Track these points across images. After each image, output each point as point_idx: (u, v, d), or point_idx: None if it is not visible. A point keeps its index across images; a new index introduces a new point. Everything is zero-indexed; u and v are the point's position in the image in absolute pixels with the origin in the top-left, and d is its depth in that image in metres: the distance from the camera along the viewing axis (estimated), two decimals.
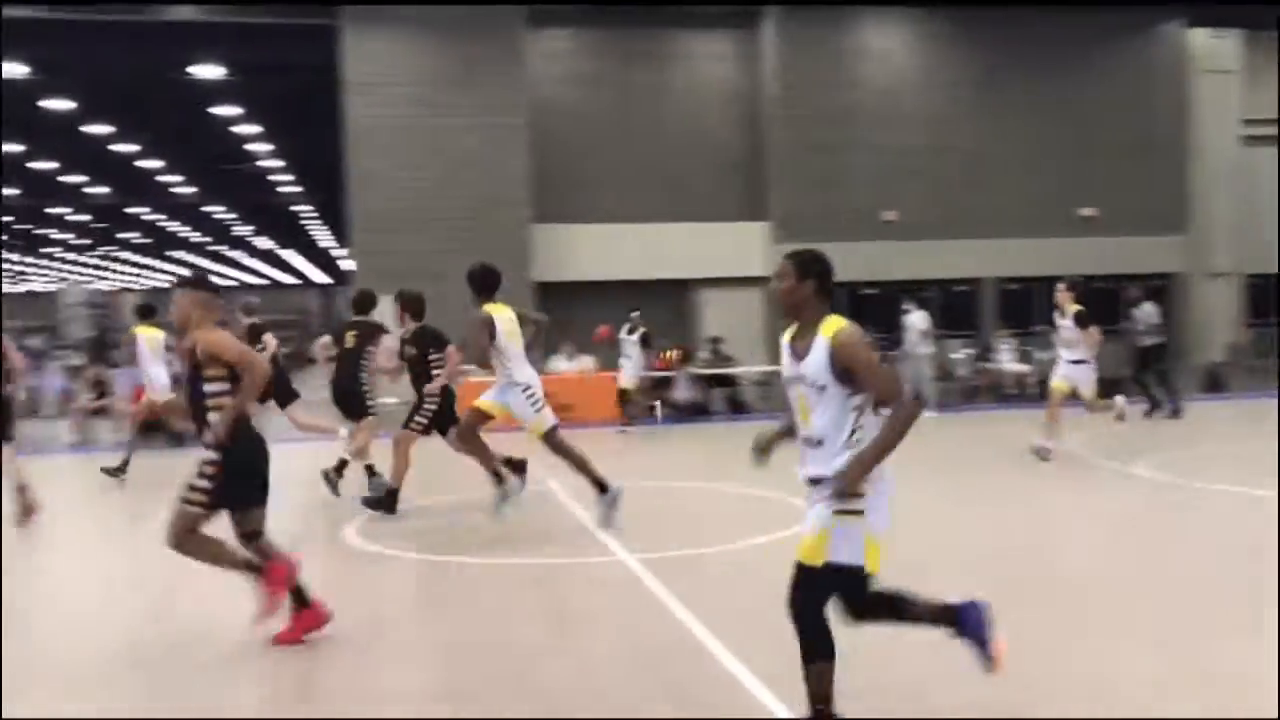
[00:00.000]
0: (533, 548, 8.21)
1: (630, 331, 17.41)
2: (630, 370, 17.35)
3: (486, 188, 21.60)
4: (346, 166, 21.68)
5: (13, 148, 32.18)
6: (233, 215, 50.73)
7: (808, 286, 4.27)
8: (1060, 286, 12.23)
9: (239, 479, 5.74)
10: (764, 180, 23.28)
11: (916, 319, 18.68)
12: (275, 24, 21.50)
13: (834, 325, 4.19)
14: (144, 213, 48.31)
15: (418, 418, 9.75)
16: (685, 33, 23.50)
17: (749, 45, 23.55)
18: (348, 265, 22.38)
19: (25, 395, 15.50)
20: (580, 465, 8.62)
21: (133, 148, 32.85)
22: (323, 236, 57.54)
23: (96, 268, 75.72)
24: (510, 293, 21.32)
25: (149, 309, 13.16)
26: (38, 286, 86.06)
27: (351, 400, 10.62)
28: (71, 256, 68.78)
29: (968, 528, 8.75)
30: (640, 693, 5.02)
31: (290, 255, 71.17)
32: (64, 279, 78.07)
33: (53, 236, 58.30)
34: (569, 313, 21.46)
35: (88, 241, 60.77)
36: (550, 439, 8.66)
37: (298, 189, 41.48)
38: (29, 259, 70.35)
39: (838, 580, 4.14)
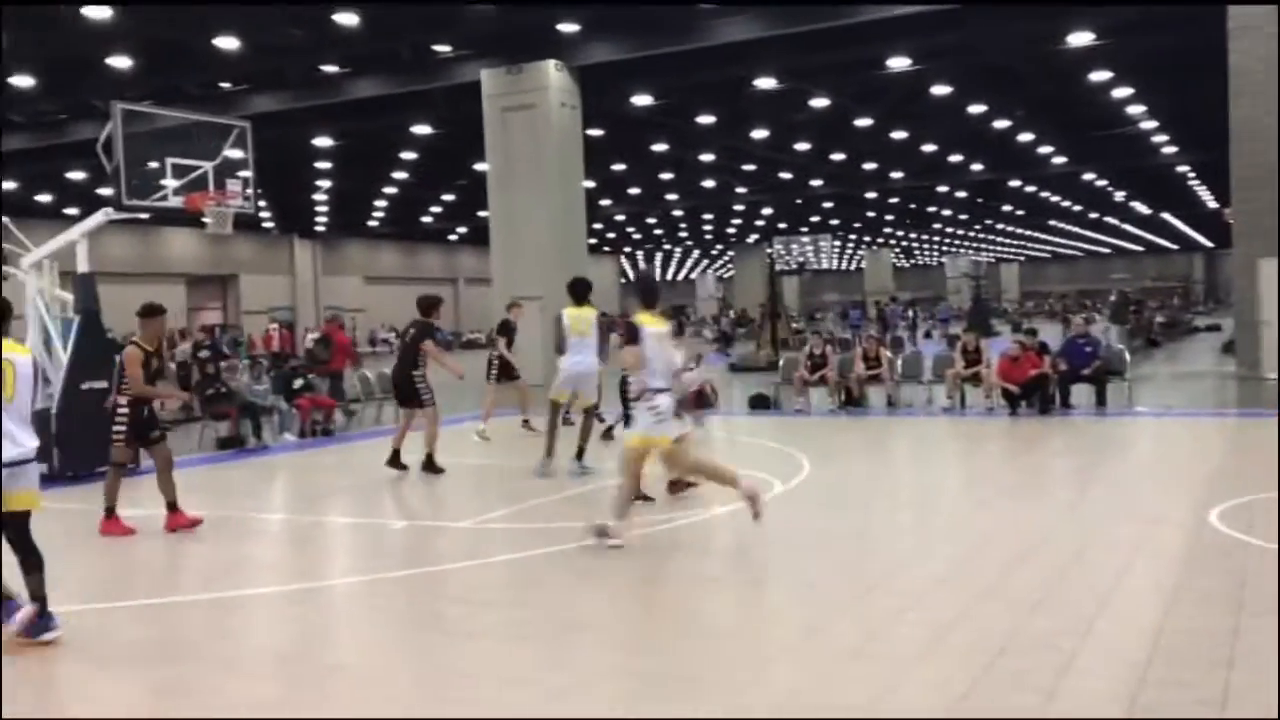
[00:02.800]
0: None
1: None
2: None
3: None
4: (1228, 119, 19.93)
5: (900, 135, 35.24)
6: (1106, 181, 49.87)
7: None
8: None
9: None
10: None
11: None
12: None
13: None
14: (1018, 185, 49.72)
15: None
16: None
17: None
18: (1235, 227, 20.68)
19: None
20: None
21: (1006, 123, 33.95)
22: (1205, 197, 53.96)
23: (975, 240, 79.96)
24: None
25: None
26: (926, 260, 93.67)
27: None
28: (952, 230, 73.52)
29: None
30: None
31: (1170, 219, 67.95)
32: (948, 252, 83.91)
33: (940, 214, 62.89)
34: None
35: (966, 216, 64.42)
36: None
37: (1175, 149, 39.33)
38: (915, 235, 76.85)
39: None
